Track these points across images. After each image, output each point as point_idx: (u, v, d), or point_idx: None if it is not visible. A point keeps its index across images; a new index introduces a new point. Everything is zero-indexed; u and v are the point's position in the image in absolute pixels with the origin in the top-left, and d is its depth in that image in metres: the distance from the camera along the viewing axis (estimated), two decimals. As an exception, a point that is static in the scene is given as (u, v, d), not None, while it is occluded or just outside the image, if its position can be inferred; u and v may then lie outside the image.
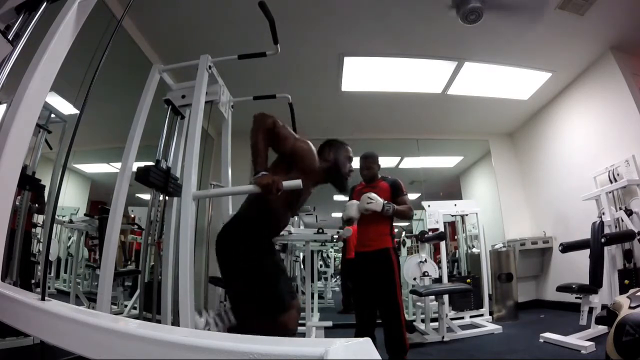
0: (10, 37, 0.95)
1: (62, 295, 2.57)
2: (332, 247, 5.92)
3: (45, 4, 1.00)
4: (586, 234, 2.89)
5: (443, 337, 3.05)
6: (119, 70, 2.57)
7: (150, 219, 2.35)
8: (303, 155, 1.48)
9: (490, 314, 3.74)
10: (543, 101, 4.19)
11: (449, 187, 5.61)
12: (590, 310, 2.61)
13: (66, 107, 2.26)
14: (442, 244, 3.92)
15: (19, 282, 1.80)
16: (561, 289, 2.83)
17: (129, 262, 3.28)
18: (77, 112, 2.16)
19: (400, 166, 5.34)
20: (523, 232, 4.46)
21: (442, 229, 3.99)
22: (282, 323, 1.36)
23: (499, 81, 3.72)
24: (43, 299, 0.69)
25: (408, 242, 4.82)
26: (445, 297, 3.24)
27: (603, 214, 3.06)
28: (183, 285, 1.22)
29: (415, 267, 3.47)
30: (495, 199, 4.75)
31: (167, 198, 1.69)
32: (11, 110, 0.83)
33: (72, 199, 2.77)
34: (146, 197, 2.57)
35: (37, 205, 2.05)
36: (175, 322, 1.37)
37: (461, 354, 2.72)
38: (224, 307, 1.51)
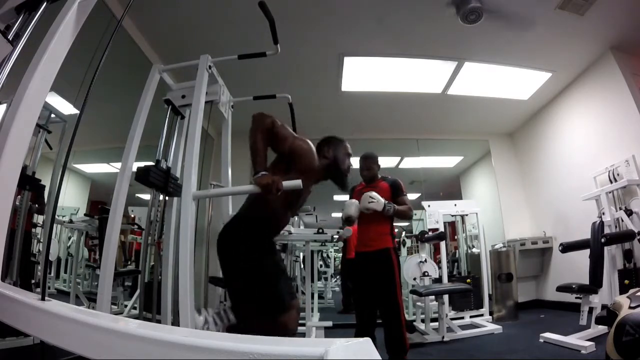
0: (10, 37, 0.95)
1: (62, 295, 2.57)
2: (332, 247, 5.92)
3: (45, 4, 1.00)
4: (586, 234, 2.89)
5: (443, 337, 3.05)
6: (119, 70, 2.57)
7: (150, 219, 2.35)
8: (302, 154, 1.47)
9: (490, 314, 3.74)
10: (543, 101, 4.19)
11: (449, 187, 5.61)
12: (590, 310, 2.61)
13: (66, 107, 2.26)
14: (442, 244, 3.92)
15: (19, 282, 1.80)
16: (561, 289, 2.83)
17: (129, 262, 3.28)
18: (77, 112, 2.16)
19: (400, 166, 5.34)
20: (523, 232, 4.46)
21: (442, 229, 3.99)
22: (282, 323, 1.36)
23: (499, 81, 3.72)
24: (43, 299, 0.69)
25: (408, 242, 4.82)
26: (445, 297, 3.24)
27: (603, 214, 3.06)
28: (183, 285, 1.22)
29: (415, 267, 3.47)
30: (495, 199, 4.75)
31: (167, 198, 1.69)
32: (11, 110, 0.83)
33: (72, 199, 2.77)
34: (146, 197, 2.57)
35: (37, 205, 2.05)
36: (175, 322, 1.37)
37: (461, 354, 2.72)
38: (223, 306, 1.51)
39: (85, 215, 2.71)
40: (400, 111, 4.32)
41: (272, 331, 1.43)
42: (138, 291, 2.52)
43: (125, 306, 2.84)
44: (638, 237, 2.68)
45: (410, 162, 5.25)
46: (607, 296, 2.68)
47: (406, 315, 2.63)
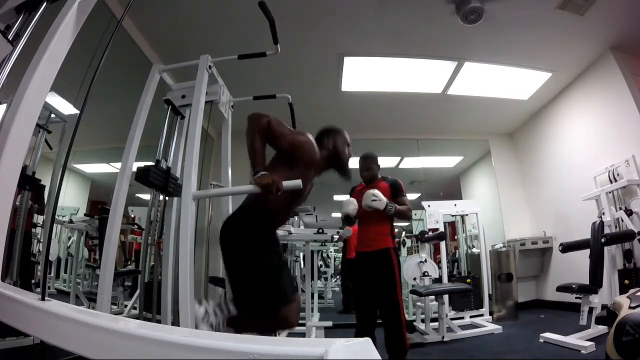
0: (10, 37, 0.95)
1: (62, 295, 2.57)
2: (332, 247, 5.92)
3: (45, 4, 1.00)
4: (586, 234, 2.89)
5: (443, 337, 3.05)
6: (119, 70, 2.57)
7: (150, 219, 2.35)
8: (303, 147, 1.47)
9: (490, 314, 3.74)
10: (543, 101, 4.19)
11: (449, 187, 5.61)
12: (590, 310, 2.61)
13: (66, 107, 2.26)
14: (442, 244, 3.92)
15: (19, 282, 1.80)
16: (561, 289, 2.83)
17: (129, 262, 3.28)
18: (77, 112, 2.16)
19: (400, 166, 5.34)
20: (523, 232, 4.46)
21: (442, 229, 3.99)
22: (283, 315, 1.37)
23: (499, 81, 3.72)
24: (43, 299, 0.69)
25: (408, 242, 4.82)
26: (445, 297, 3.24)
27: (603, 214, 3.06)
28: (183, 285, 1.22)
29: (415, 267, 3.47)
30: (495, 199, 4.75)
31: (167, 198, 1.69)
32: (11, 110, 0.83)
33: (72, 199, 2.77)
34: (146, 197, 2.57)
35: (37, 205, 2.05)
36: (175, 322, 1.37)
37: (461, 354, 2.72)
38: (224, 298, 1.51)
39: (85, 215, 2.71)
40: (400, 111, 4.32)
41: (273, 323, 1.43)
42: (138, 291, 2.51)
43: (125, 306, 2.84)
44: (638, 237, 2.68)
45: (410, 162, 5.25)
46: (607, 296, 2.68)
47: (406, 315, 2.63)
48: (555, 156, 4.16)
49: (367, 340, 0.44)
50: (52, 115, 2.12)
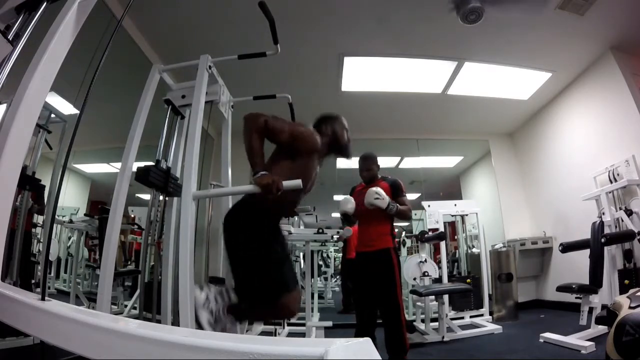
0: (10, 37, 0.95)
1: (62, 295, 2.57)
2: (332, 247, 5.92)
3: (45, 4, 1.00)
4: (586, 234, 2.89)
5: (443, 337, 3.05)
6: (119, 70, 2.57)
7: (150, 219, 2.34)
8: (305, 137, 1.50)
9: (490, 314, 3.74)
10: (543, 101, 4.19)
11: (449, 187, 5.61)
12: (590, 310, 2.61)
13: (66, 107, 2.26)
14: (442, 244, 3.91)
15: (19, 282, 1.80)
16: (561, 289, 2.83)
17: (129, 262, 3.28)
18: (77, 112, 2.16)
19: (400, 166, 5.34)
20: (523, 232, 4.46)
21: (442, 229, 3.99)
22: (283, 304, 1.37)
23: (499, 81, 3.72)
24: (43, 299, 0.69)
25: (408, 242, 4.82)
26: (445, 297, 3.24)
27: (603, 214, 3.06)
28: (183, 285, 1.22)
29: (415, 267, 3.47)
30: (495, 199, 4.75)
31: (167, 198, 1.69)
32: (11, 110, 0.83)
33: (72, 199, 2.77)
34: (146, 197, 2.57)
35: (37, 205, 2.05)
36: (175, 322, 1.37)
37: (461, 354, 2.72)
38: (225, 286, 1.51)
39: (85, 215, 2.71)
40: (400, 111, 4.32)
41: (273, 311, 1.43)
42: (138, 291, 2.51)
43: (125, 306, 2.84)
44: (638, 237, 2.68)
45: (410, 162, 5.25)
46: (607, 296, 2.68)
47: (406, 315, 2.63)
48: (555, 156, 4.16)
49: (367, 340, 0.44)
50: (52, 115, 2.12)
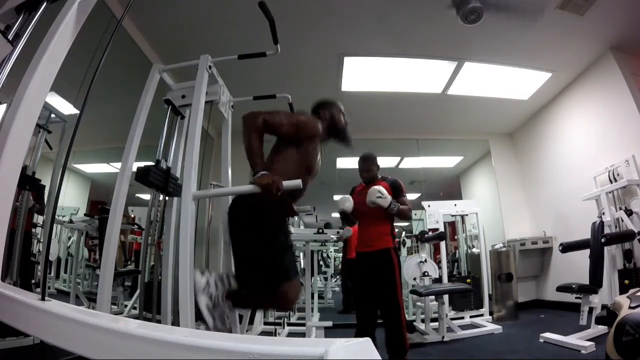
0: (10, 37, 0.95)
1: (62, 295, 2.57)
2: (332, 247, 5.91)
3: (45, 4, 1.00)
4: (586, 234, 2.89)
5: (443, 337, 3.05)
6: (119, 70, 2.57)
7: (150, 219, 2.35)
8: (306, 124, 1.54)
9: (490, 314, 3.74)
10: (543, 101, 4.19)
11: (449, 187, 5.61)
12: (590, 310, 2.61)
13: (66, 107, 2.26)
14: (442, 244, 3.92)
15: (19, 282, 1.80)
16: (561, 289, 2.83)
17: (129, 262, 3.28)
18: (77, 112, 2.16)
19: (400, 166, 5.34)
20: (523, 232, 4.46)
21: (442, 229, 3.99)
22: (283, 292, 1.37)
23: (499, 81, 3.72)
24: (43, 299, 0.69)
25: (408, 242, 4.82)
26: (445, 297, 3.24)
27: (603, 214, 3.06)
28: (183, 285, 1.21)
29: (415, 267, 3.47)
30: (495, 199, 4.75)
31: (167, 198, 1.69)
32: (11, 110, 0.83)
33: (72, 199, 2.77)
34: (146, 197, 2.57)
35: (37, 205, 2.05)
36: (175, 322, 1.37)
37: (461, 354, 2.72)
38: (225, 272, 1.51)
39: (85, 215, 2.71)
40: (400, 111, 4.32)
41: (272, 299, 1.43)
42: (138, 291, 2.51)
43: (125, 306, 2.84)
44: (638, 237, 2.68)
45: (410, 162, 5.25)
46: (607, 296, 2.68)
47: (406, 315, 2.63)
48: (555, 156, 4.16)
49: (367, 340, 0.44)
50: (52, 115, 2.12)
